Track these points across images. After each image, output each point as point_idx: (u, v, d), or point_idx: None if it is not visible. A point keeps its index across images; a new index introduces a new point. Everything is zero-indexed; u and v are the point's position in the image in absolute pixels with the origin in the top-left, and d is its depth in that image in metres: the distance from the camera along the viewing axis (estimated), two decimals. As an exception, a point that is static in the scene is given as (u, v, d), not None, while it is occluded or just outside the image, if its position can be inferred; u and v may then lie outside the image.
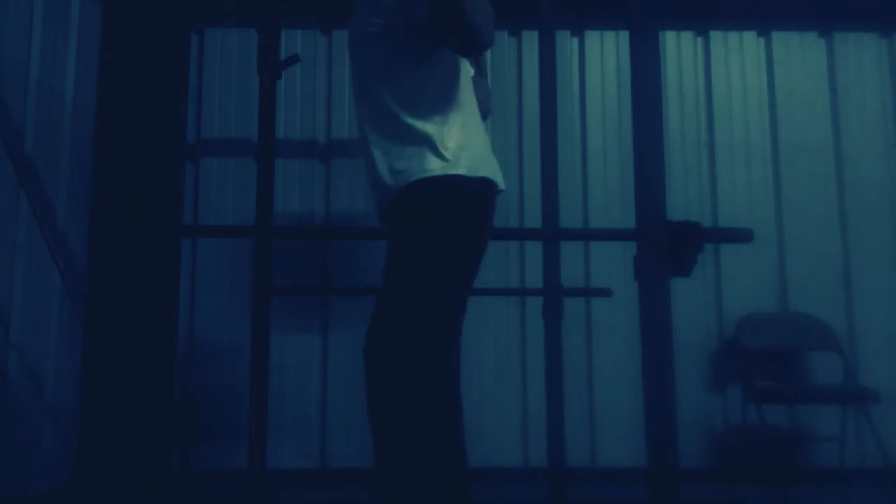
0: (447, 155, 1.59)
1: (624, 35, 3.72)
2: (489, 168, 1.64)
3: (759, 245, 3.56)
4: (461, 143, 1.62)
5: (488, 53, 3.70)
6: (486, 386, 3.43)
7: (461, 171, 1.59)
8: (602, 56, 3.75)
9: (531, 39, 3.68)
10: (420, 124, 1.61)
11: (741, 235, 1.19)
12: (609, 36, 3.75)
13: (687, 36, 3.77)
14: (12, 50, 2.61)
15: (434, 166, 1.58)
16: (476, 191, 1.61)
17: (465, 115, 1.67)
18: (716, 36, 3.76)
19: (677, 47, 3.75)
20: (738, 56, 3.75)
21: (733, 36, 3.77)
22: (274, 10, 2.69)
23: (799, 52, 3.76)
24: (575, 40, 3.76)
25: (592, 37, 3.75)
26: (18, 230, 2.62)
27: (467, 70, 1.77)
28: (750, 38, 3.77)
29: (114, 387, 3.14)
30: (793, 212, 3.63)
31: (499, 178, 1.66)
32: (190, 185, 3.52)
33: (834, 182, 3.66)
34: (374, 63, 1.66)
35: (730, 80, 3.73)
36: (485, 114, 1.83)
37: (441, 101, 1.64)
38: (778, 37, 3.76)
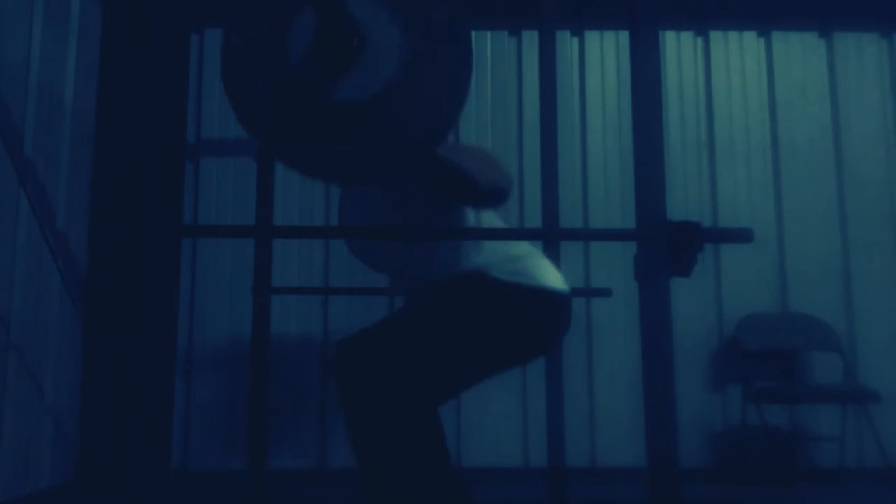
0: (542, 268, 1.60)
1: (624, 35, 3.73)
2: (560, 280, 1.63)
3: (759, 245, 3.56)
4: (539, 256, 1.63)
5: (488, 59, 3.70)
6: (486, 386, 3.43)
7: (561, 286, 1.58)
8: (602, 56, 3.75)
9: (531, 39, 3.68)
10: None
11: (741, 235, 1.18)
12: (609, 36, 3.75)
13: (687, 36, 3.77)
14: (12, 50, 2.61)
15: (551, 277, 1.56)
16: (559, 305, 1.58)
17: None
18: (716, 36, 3.77)
19: (677, 47, 3.75)
20: (738, 56, 3.75)
21: (733, 36, 3.77)
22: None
23: (799, 52, 3.76)
24: (575, 40, 3.76)
25: (592, 37, 3.75)
26: (18, 230, 2.63)
27: None
28: (750, 38, 3.77)
29: (114, 387, 3.14)
30: (793, 212, 3.63)
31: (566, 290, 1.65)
32: (190, 185, 3.53)
33: (834, 182, 3.66)
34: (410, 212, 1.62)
35: (730, 80, 3.73)
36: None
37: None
38: (778, 37, 3.76)
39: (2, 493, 2.47)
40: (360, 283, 3.48)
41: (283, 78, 1.26)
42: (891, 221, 3.63)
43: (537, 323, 1.55)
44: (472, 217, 1.65)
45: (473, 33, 3.72)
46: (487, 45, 3.71)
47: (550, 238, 2.17)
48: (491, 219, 1.71)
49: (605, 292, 2.82)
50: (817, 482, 3.34)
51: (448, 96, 1.25)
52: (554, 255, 2.58)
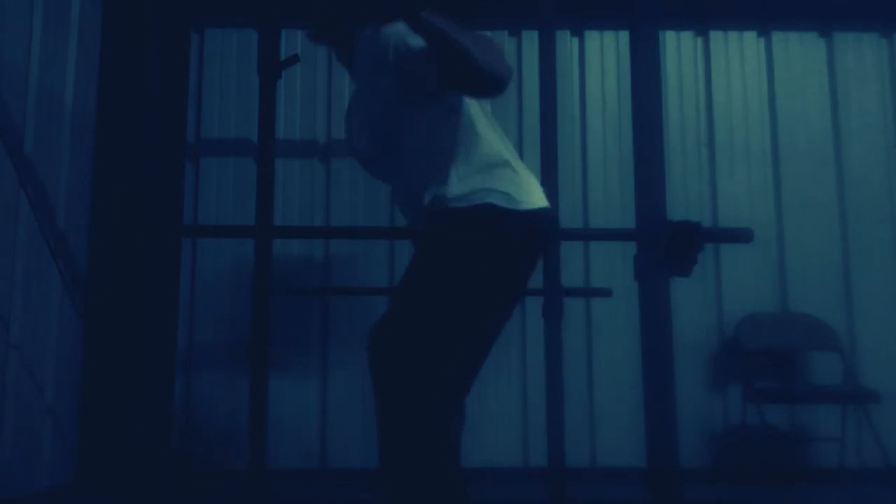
0: (524, 187, 1.58)
1: (624, 35, 3.72)
2: (540, 196, 1.63)
3: (759, 245, 3.55)
4: (513, 172, 1.61)
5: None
6: (486, 386, 3.43)
7: (539, 205, 1.58)
8: (602, 56, 3.75)
9: (531, 39, 3.68)
10: (485, 152, 1.60)
11: (741, 235, 1.19)
12: (609, 36, 3.75)
13: (687, 36, 3.77)
14: (12, 50, 2.61)
15: (515, 196, 1.56)
16: (537, 222, 1.59)
17: (505, 146, 1.67)
18: (716, 36, 3.76)
19: (677, 47, 3.75)
20: (738, 56, 3.75)
21: (733, 36, 3.77)
22: (274, 10, 2.69)
23: (799, 52, 3.76)
24: (575, 40, 3.76)
25: (592, 37, 3.75)
26: (18, 230, 2.63)
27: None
28: (750, 38, 3.77)
29: (114, 387, 3.14)
30: (793, 212, 3.63)
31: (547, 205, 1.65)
32: (190, 185, 3.52)
33: (834, 182, 3.66)
34: (400, 112, 1.62)
35: (730, 80, 3.73)
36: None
37: (474, 130, 1.63)
38: (778, 37, 3.76)
39: (2, 492, 2.47)
40: (360, 283, 3.48)
41: None
42: (891, 221, 3.63)
43: (503, 242, 1.56)
44: (480, 117, 1.66)
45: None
46: (487, 45, 3.71)
47: (544, 233, 2.16)
48: (489, 122, 1.71)
49: (605, 292, 2.83)
50: (817, 482, 3.34)
51: None
52: (554, 255, 2.58)
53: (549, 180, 2.56)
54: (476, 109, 1.68)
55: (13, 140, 2.60)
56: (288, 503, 2.98)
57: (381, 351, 1.52)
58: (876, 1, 3.71)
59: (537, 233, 1.61)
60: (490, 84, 1.48)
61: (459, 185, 1.57)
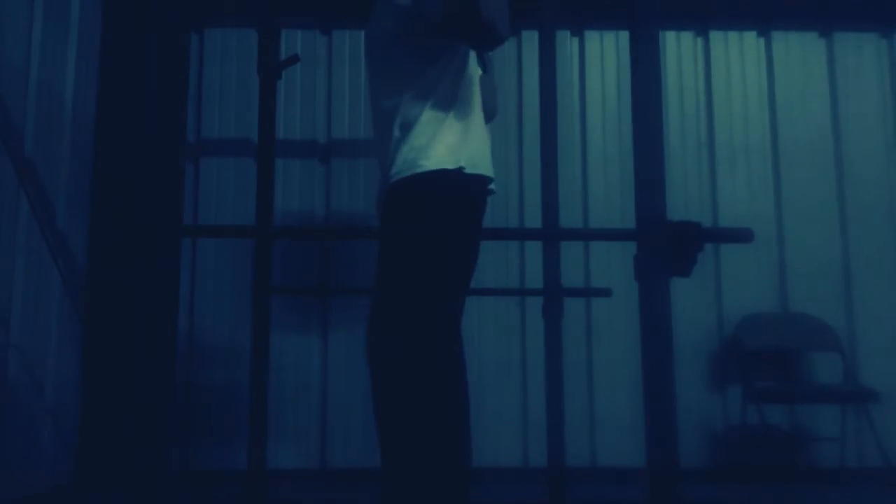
0: (444, 150, 1.59)
1: (624, 35, 3.72)
2: (485, 166, 1.65)
3: (759, 245, 3.56)
4: (461, 139, 1.62)
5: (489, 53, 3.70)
6: (486, 386, 3.43)
7: (457, 165, 1.59)
8: (602, 56, 3.75)
9: (531, 39, 3.68)
10: (426, 119, 1.61)
11: (741, 235, 1.19)
12: (609, 36, 3.75)
13: (687, 36, 3.77)
14: (12, 50, 2.61)
15: (430, 161, 1.58)
16: (471, 186, 1.61)
17: (467, 113, 1.67)
18: (716, 36, 3.76)
19: (677, 47, 3.75)
20: (738, 56, 3.75)
21: (733, 36, 3.77)
22: (274, 10, 2.69)
23: (799, 52, 3.76)
24: (575, 40, 3.76)
25: (592, 37, 3.75)
26: (18, 230, 2.63)
27: (475, 69, 1.77)
28: (750, 38, 3.77)
29: (114, 387, 3.14)
30: (793, 212, 3.63)
31: (491, 175, 1.68)
32: (190, 185, 3.52)
33: (834, 182, 3.66)
34: (389, 63, 1.66)
35: (730, 80, 3.73)
36: (491, 113, 1.84)
37: (448, 99, 1.64)
38: (778, 37, 3.76)
39: (2, 493, 2.47)
40: (361, 283, 3.48)
41: None
42: (891, 221, 3.63)
43: (443, 205, 1.60)
44: (469, 75, 1.69)
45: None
46: (487, 45, 3.71)
47: (550, 238, 2.17)
48: (476, 108, 1.72)
49: (605, 292, 2.83)
50: (817, 482, 3.34)
51: None
52: (554, 255, 2.59)
53: (549, 180, 2.56)
54: (467, 83, 1.70)
55: (13, 140, 2.60)
56: (288, 503, 2.98)
57: (381, 344, 1.59)
58: (876, 1, 3.71)
59: (470, 189, 1.63)
60: (486, 32, 1.52)
61: (404, 154, 1.61)
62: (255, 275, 2.67)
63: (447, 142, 1.60)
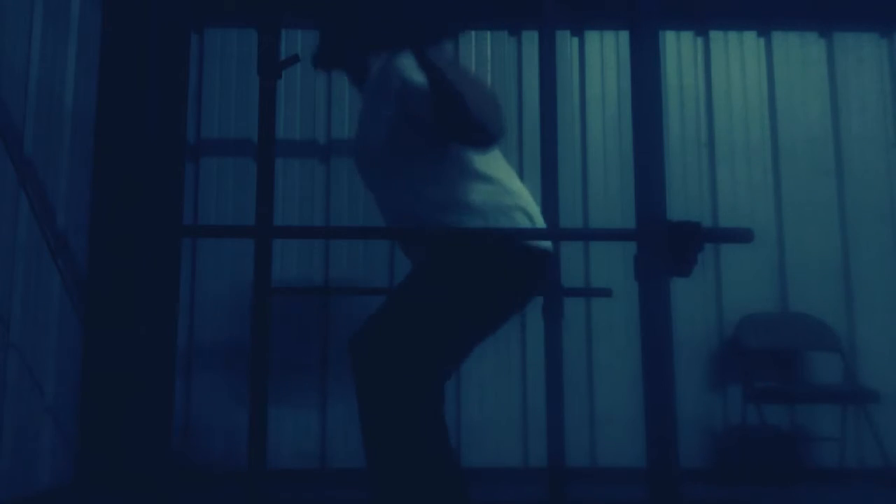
0: (532, 221, 1.61)
1: (624, 35, 3.73)
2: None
3: (759, 245, 3.56)
4: (536, 210, 1.65)
5: (488, 59, 3.70)
6: (486, 386, 3.43)
7: (545, 247, 1.61)
8: (602, 56, 3.75)
9: (531, 39, 3.68)
10: (475, 196, 1.60)
11: (741, 235, 1.18)
12: (609, 36, 3.75)
13: (687, 36, 3.77)
14: (12, 50, 2.61)
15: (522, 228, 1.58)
16: (540, 262, 1.61)
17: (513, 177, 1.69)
18: (716, 36, 3.77)
19: (677, 47, 3.75)
20: (738, 56, 3.75)
21: (733, 36, 3.77)
22: (274, 10, 2.69)
23: (799, 52, 3.76)
24: (575, 40, 3.76)
25: (592, 37, 3.75)
26: (18, 230, 2.63)
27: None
28: (750, 38, 3.77)
29: (114, 387, 3.14)
30: (793, 212, 3.63)
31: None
32: (190, 185, 3.52)
33: (834, 182, 3.66)
34: (395, 164, 1.63)
35: (730, 80, 3.73)
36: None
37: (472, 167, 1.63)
38: (778, 37, 3.76)
39: (2, 493, 2.47)
40: (361, 283, 3.48)
41: None
42: (891, 221, 3.63)
43: (509, 277, 1.58)
44: (473, 154, 1.64)
45: (473, 33, 3.72)
46: (487, 45, 3.71)
47: (550, 238, 2.17)
48: (496, 156, 1.71)
49: (605, 292, 2.83)
50: (817, 482, 3.34)
51: None
52: (554, 255, 2.58)
53: (549, 180, 2.56)
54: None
55: (13, 140, 2.60)
56: (288, 503, 2.98)
57: (365, 354, 1.54)
58: (876, 1, 3.71)
59: (540, 272, 1.62)
60: (477, 133, 1.47)
61: (465, 216, 1.58)
62: (255, 275, 2.67)
63: (530, 212, 1.61)
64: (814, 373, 3.51)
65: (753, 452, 3.40)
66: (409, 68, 1.54)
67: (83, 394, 3.12)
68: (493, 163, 1.66)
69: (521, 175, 3.63)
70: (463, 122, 1.44)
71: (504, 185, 1.65)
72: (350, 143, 3.64)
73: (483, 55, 3.69)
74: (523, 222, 1.61)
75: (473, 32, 3.71)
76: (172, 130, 3.46)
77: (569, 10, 3.55)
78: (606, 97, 3.71)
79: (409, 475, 1.46)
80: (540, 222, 1.66)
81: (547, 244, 1.65)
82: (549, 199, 2.53)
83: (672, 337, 1.21)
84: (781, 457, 3.41)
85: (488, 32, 3.71)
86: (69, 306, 3.01)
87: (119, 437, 3.08)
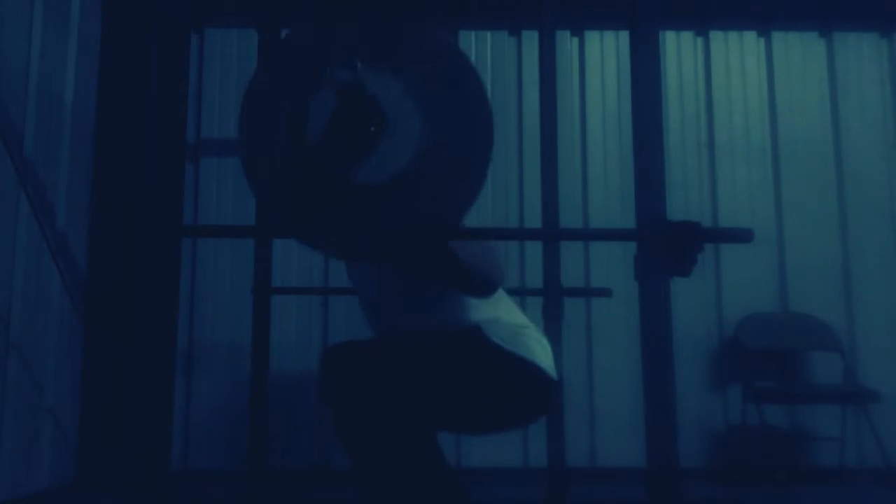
0: (545, 356, 1.59)
1: (624, 35, 3.73)
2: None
3: (759, 245, 3.56)
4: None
5: (488, 59, 3.70)
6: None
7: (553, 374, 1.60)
8: (602, 56, 3.75)
9: (531, 39, 3.68)
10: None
11: (741, 235, 1.18)
12: (609, 36, 3.75)
13: (687, 36, 3.77)
14: (12, 50, 2.61)
15: (543, 359, 1.56)
16: (548, 386, 1.60)
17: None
18: (716, 36, 3.77)
19: (677, 47, 3.75)
20: (738, 56, 3.75)
21: (733, 36, 3.77)
22: (274, 10, 2.69)
23: (799, 52, 3.76)
24: (575, 40, 3.76)
25: (592, 37, 3.75)
26: (18, 230, 2.63)
27: None
28: (750, 38, 3.77)
29: (114, 387, 3.14)
30: (793, 212, 3.63)
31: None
32: (190, 185, 3.52)
33: (834, 182, 3.66)
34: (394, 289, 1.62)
35: (730, 80, 3.73)
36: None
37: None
38: (778, 37, 3.76)
39: (2, 493, 2.47)
40: (360, 283, 3.47)
41: (298, 156, 1.27)
42: (891, 221, 3.63)
43: (522, 395, 1.56)
44: (479, 303, 1.63)
45: (473, 34, 3.72)
46: (487, 45, 3.71)
47: (550, 238, 2.17)
48: (502, 299, 1.71)
49: (605, 292, 2.82)
50: (817, 482, 3.34)
51: (464, 186, 1.26)
52: (554, 255, 2.58)
53: (549, 180, 2.56)
54: None
55: (13, 140, 2.60)
56: (288, 503, 2.98)
57: (338, 376, 1.44)
58: (876, 1, 3.71)
59: (546, 398, 1.61)
60: (482, 288, 1.49)
61: (505, 329, 1.57)
62: (255, 275, 2.66)
63: (540, 351, 1.59)
64: (814, 373, 3.51)
65: (753, 452, 3.40)
66: None
67: (83, 394, 3.12)
68: (500, 303, 1.67)
69: (521, 174, 3.63)
70: (467, 284, 1.45)
71: (508, 317, 1.64)
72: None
73: (483, 55, 3.69)
74: (534, 343, 1.59)
75: (473, 32, 3.72)
76: (172, 130, 3.46)
77: (569, 10, 3.55)
78: (606, 97, 3.70)
79: (391, 490, 1.40)
80: (548, 352, 1.64)
81: (553, 374, 1.63)
82: (549, 199, 2.53)
83: (672, 337, 1.21)
84: (781, 457, 3.41)
85: (488, 32, 3.71)
86: (69, 306, 3.01)
87: (119, 437, 3.08)
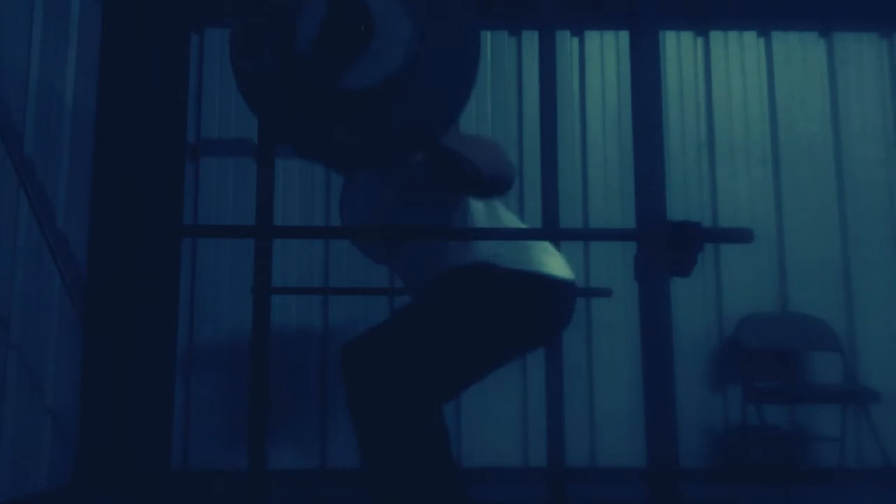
0: (555, 263, 1.61)
1: (624, 35, 3.73)
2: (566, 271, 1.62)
3: (759, 245, 3.56)
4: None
5: (488, 59, 3.70)
6: (486, 386, 3.42)
7: (564, 276, 1.61)
8: (602, 56, 3.75)
9: (531, 39, 3.68)
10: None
11: (741, 235, 1.18)
12: (609, 36, 3.75)
13: (687, 36, 3.77)
14: (12, 50, 2.61)
15: (544, 267, 1.57)
16: (570, 296, 1.58)
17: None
18: (716, 36, 3.77)
19: (677, 47, 3.75)
20: (738, 56, 3.75)
21: (733, 36, 3.77)
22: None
23: (799, 52, 3.76)
24: (575, 40, 3.76)
25: (592, 37, 3.75)
26: (18, 230, 2.63)
27: None
28: (750, 38, 3.77)
29: (114, 387, 3.14)
30: (793, 212, 3.63)
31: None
32: (190, 185, 3.52)
33: (834, 182, 3.66)
34: (395, 208, 1.61)
35: (730, 80, 3.73)
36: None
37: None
38: (778, 37, 3.76)
39: (2, 493, 2.47)
40: (360, 283, 3.48)
41: (288, 62, 1.29)
42: (890, 221, 3.63)
43: (540, 310, 1.57)
44: (481, 207, 1.64)
45: (473, 33, 3.72)
46: (487, 45, 3.71)
47: (550, 238, 2.16)
48: (499, 209, 1.71)
49: (605, 292, 2.83)
50: (817, 482, 3.34)
51: (453, 89, 1.28)
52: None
53: (549, 180, 2.56)
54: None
55: (13, 140, 2.59)
56: (288, 503, 2.98)
57: (358, 366, 1.45)
58: (876, 1, 3.71)
59: (567, 303, 1.61)
60: (495, 187, 1.48)
61: (511, 251, 1.57)
62: (255, 275, 2.66)
63: (544, 257, 1.60)
64: (814, 373, 3.51)
65: (753, 452, 3.40)
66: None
67: (83, 394, 3.12)
68: (499, 214, 1.66)
69: (521, 174, 3.63)
70: (479, 182, 1.44)
71: (515, 220, 1.67)
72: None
73: (483, 55, 3.69)
74: (539, 255, 1.59)
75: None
76: (172, 130, 3.46)
77: (569, 10, 3.56)
78: (606, 97, 3.70)
79: (401, 487, 1.42)
80: (558, 257, 1.65)
81: (568, 276, 1.63)
82: (549, 199, 2.53)
83: (672, 337, 1.21)
84: (781, 457, 3.41)
85: (488, 32, 3.71)
86: (69, 306, 3.01)
87: (119, 438, 3.08)
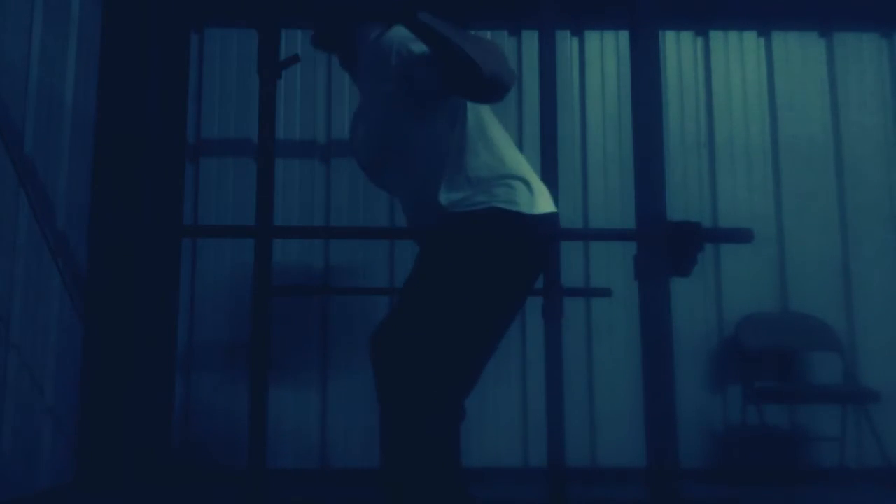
0: (535, 190, 1.60)
1: (624, 35, 3.72)
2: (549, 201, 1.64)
3: (759, 245, 3.56)
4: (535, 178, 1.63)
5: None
6: (486, 386, 3.42)
7: (544, 210, 1.60)
8: (602, 56, 3.75)
9: (531, 39, 3.68)
10: (480, 156, 1.60)
11: (741, 235, 1.19)
12: (609, 36, 3.75)
13: (687, 36, 3.77)
14: (12, 50, 2.61)
15: (523, 200, 1.56)
16: (545, 226, 1.60)
17: (512, 148, 1.68)
18: (716, 36, 3.77)
19: (677, 47, 3.75)
20: (738, 56, 3.75)
21: (733, 36, 3.77)
22: (274, 10, 2.69)
23: (799, 52, 3.76)
24: (575, 40, 3.76)
25: (592, 37, 3.75)
26: (18, 230, 2.62)
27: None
28: (750, 38, 3.77)
29: (114, 387, 3.14)
30: (793, 212, 3.63)
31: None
32: (190, 185, 3.52)
33: (834, 182, 3.66)
34: (398, 122, 1.61)
35: (730, 80, 3.73)
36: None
37: (489, 141, 1.63)
38: (778, 37, 3.76)
39: (2, 493, 2.47)
40: (361, 283, 3.48)
41: None
42: (891, 221, 3.63)
43: (510, 245, 1.57)
44: (473, 126, 1.63)
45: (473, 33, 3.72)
46: (487, 45, 3.71)
47: (550, 238, 2.16)
48: (494, 127, 1.71)
49: (605, 292, 2.83)
50: (817, 482, 3.34)
51: None
52: (554, 254, 2.58)
53: (549, 180, 2.56)
54: (480, 116, 1.66)
55: (13, 140, 2.59)
56: (288, 503, 2.98)
57: (384, 351, 1.53)
58: (876, 1, 3.71)
59: (540, 237, 1.61)
60: (492, 88, 1.46)
61: (464, 190, 1.58)
62: (255, 275, 2.66)
63: (530, 182, 1.59)
64: (814, 373, 3.51)
65: (753, 452, 3.40)
66: (406, 40, 1.53)
67: (83, 394, 3.12)
68: (492, 132, 1.66)
69: (521, 175, 3.63)
70: (476, 78, 1.43)
71: (503, 153, 1.64)
72: (348, 140, 3.65)
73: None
74: (521, 190, 1.59)
75: (473, 33, 3.71)
76: (172, 130, 3.46)
77: (569, 10, 3.55)
78: (606, 97, 3.71)
79: (419, 474, 1.47)
80: (539, 189, 1.64)
81: (547, 206, 1.62)
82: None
83: (672, 337, 1.21)
84: (781, 457, 3.41)
85: (488, 32, 3.71)
86: (69, 306, 3.01)
87: (119, 437, 3.08)
